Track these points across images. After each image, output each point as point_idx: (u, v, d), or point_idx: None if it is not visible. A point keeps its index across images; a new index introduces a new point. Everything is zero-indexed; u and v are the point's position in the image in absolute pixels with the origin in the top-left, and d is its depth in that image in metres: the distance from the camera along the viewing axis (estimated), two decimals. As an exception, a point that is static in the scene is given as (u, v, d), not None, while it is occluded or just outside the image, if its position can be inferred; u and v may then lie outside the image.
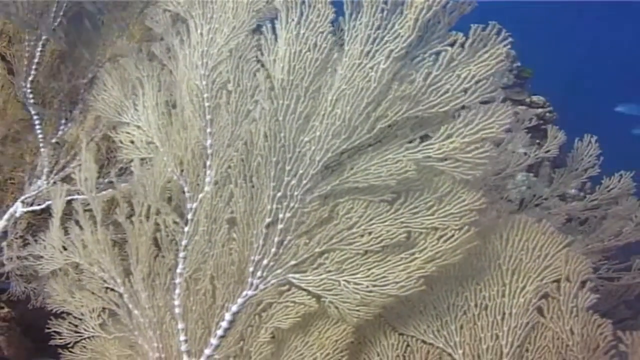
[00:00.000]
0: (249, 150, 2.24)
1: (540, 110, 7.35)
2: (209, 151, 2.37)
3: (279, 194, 2.20)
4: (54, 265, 2.80)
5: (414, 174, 2.09)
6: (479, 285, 2.29)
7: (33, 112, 3.54)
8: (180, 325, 2.39)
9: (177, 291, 2.39)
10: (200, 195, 2.38)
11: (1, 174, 3.60)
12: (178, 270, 2.40)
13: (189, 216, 2.39)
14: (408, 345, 2.34)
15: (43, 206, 3.47)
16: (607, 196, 3.81)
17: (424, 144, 2.08)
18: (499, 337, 2.27)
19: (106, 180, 3.34)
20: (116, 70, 2.88)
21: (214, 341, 2.33)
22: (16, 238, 3.48)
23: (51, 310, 3.36)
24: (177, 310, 2.39)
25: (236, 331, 2.31)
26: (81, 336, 2.67)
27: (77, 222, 2.71)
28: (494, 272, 2.29)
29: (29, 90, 3.53)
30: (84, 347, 2.67)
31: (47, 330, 3.24)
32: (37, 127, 3.55)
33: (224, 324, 2.32)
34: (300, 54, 2.13)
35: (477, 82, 2.02)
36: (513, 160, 3.65)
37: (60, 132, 3.57)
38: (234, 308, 2.29)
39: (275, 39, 2.18)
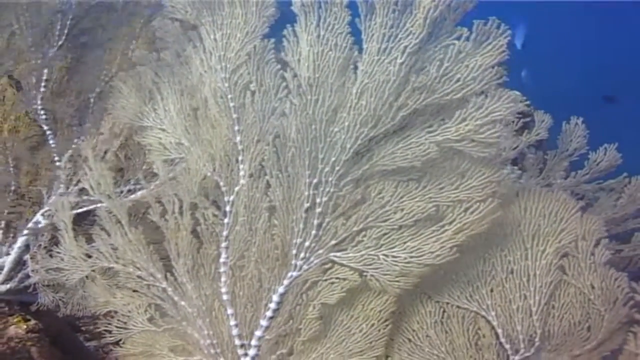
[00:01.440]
0: (282, 142, 2.52)
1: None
2: (240, 147, 2.65)
3: (315, 181, 2.49)
4: (80, 274, 3.06)
5: (436, 155, 2.40)
6: (503, 252, 2.62)
7: (46, 127, 3.78)
8: (229, 311, 2.68)
9: (223, 279, 2.68)
10: (237, 188, 2.66)
11: (19, 188, 3.84)
12: (222, 260, 2.69)
13: (227, 208, 2.68)
14: (444, 311, 2.67)
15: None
16: (597, 169, 4.18)
17: (442, 127, 2.39)
18: (527, 297, 2.59)
19: (127, 188, 3.62)
20: (132, 78, 3.13)
21: (264, 323, 2.63)
22: (41, 250, 3.71)
23: (77, 318, 3.65)
24: (225, 297, 2.68)
25: (285, 311, 2.61)
26: (130, 332, 2.92)
27: (102, 228, 2.95)
28: (516, 239, 2.62)
29: (40, 107, 3.77)
30: (135, 341, 2.93)
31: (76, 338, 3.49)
32: (51, 142, 3.80)
33: (272, 306, 2.61)
34: (323, 53, 2.43)
35: (484, 71, 2.33)
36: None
37: (74, 146, 3.82)
38: (281, 289, 2.59)
39: (297, 41, 2.47)
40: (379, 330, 2.59)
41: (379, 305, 2.58)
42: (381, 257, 2.48)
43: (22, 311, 3.88)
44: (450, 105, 2.40)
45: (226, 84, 2.70)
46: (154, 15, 3.95)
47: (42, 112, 3.82)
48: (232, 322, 2.70)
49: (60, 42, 3.85)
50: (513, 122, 4.21)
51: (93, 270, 3.02)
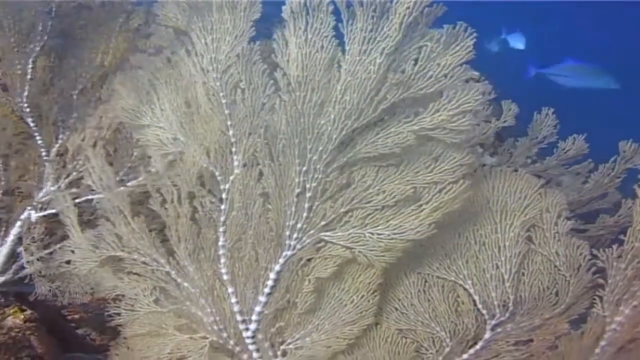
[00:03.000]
0: (273, 135, 2.95)
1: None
2: (233, 140, 3.09)
3: (304, 168, 2.92)
4: (90, 264, 3.46)
5: (413, 142, 2.84)
6: (475, 226, 3.06)
7: (32, 124, 4.19)
8: (230, 290, 3.13)
9: (222, 260, 3.13)
10: (231, 177, 3.10)
11: (8, 183, 4.25)
12: (220, 243, 3.13)
13: (224, 195, 3.13)
14: (426, 282, 3.11)
15: (55, 210, 4.09)
16: (565, 157, 4.75)
17: (418, 117, 2.84)
18: (499, 267, 3.03)
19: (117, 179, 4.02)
20: (130, 81, 3.53)
21: (262, 299, 3.08)
22: (34, 242, 4.14)
23: (63, 307, 4.06)
24: (225, 277, 3.13)
25: (281, 287, 3.06)
26: (137, 314, 3.35)
27: (107, 219, 3.38)
28: (486, 214, 3.07)
29: (25, 105, 4.17)
30: (142, 323, 3.36)
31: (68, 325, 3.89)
32: (37, 138, 4.21)
33: (269, 283, 3.06)
34: (310, 55, 2.85)
35: (453, 69, 2.78)
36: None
37: (60, 141, 4.23)
38: (277, 268, 3.04)
39: (286, 44, 2.89)
40: (369, 301, 3.02)
41: (367, 278, 3.01)
42: (367, 234, 2.92)
43: (17, 302, 4.25)
44: (424, 98, 2.84)
45: (218, 83, 3.11)
46: (133, 14, 4.42)
47: (27, 109, 4.19)
48: (233, 300, 3.14)
49: (42, 43, 4.23)
50: (483, 108, 4.69)
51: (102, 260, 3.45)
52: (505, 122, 4.84)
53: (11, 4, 4.15)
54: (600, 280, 3.00)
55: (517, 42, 13.86)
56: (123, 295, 3.39)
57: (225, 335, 3.23)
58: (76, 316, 4.82)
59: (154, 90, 3.42)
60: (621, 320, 2.94)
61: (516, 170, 3.14)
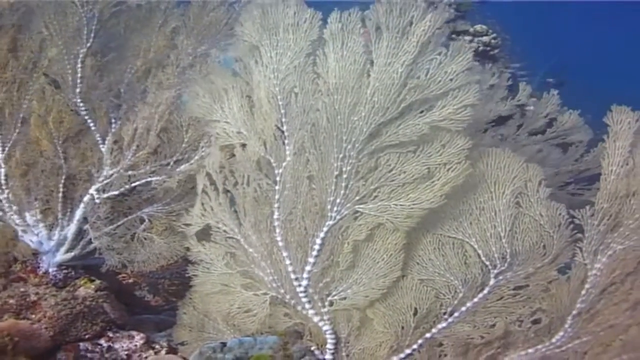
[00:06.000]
0: (316, 129, 3.96)
1: (485, 38, 9.08)
2: (286, 134, 4.09)
3: (341, 155, 3.90)
4: (197, 227, 4.61)
5: (427, 131, 3.84)
6: (475, 195, 4.04)
7: (86, 117, 5.25)
8: (284, 254, 4.21)
9: (277, 230, 4.20)
10: (284, 163, 4.11)
11: (69, 170, 5.28)
12: (275, 216, 4.20)
13: (277, 178, 4.16)
14: (440, 241, 4.11)
15: (117, 192, 5.23)
16: (563, 128, 5.94)
17: (430, 112, 3.85)
18: (496, 227, 4.00)
19: (173, 159, 5.21)
20: (205, 84, 4.62)
21: (311, 260, 4.12)
22: (99, 219, 5.17)
23: (117, 273, 5.30)
24: (280, 243, 4.22)
25: (326, 250, 4.09)
26: (211, 275, 4.48)
27: (206, 194, 4.50)
28: (483, 185, 4.06)
29: (79, 100, 5.21)
30: (214, 283, 4.48)
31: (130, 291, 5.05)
32: (93, 128, 5.28)
33: (316, 247, 4.11)
34: (345, 67, 3.86)
35: (457, 75, 3.80)
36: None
37: (113, 130, 5.30)
38: (322, 234, 4.09)
39: (326, 59, 3.91)
40: (396, 258, 3.99)
41: (394, 240, 3.99)
42: (392, 205, 3.92)
43: (85, 274, 5.29)
44: (435, 97, 3.83)
45: (277, 89, 4.10)
46: (170, 16, 5.49)
47: (81, 104, 5.22)
48: (287, 262, 4.18)
49: (88, 45, 5.25)
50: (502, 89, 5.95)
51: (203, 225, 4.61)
52: (519, 100, 6.04)
53: (57, 13, 5.17)
54: (579, 235, 3.98)
55: None
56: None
57: (282, 291, 4.28)
58: (130, 281, 5.96)
59: (224, 92, 4.49)
60: (600, 267, 3.94)
61: (502, 148, 4.14)
